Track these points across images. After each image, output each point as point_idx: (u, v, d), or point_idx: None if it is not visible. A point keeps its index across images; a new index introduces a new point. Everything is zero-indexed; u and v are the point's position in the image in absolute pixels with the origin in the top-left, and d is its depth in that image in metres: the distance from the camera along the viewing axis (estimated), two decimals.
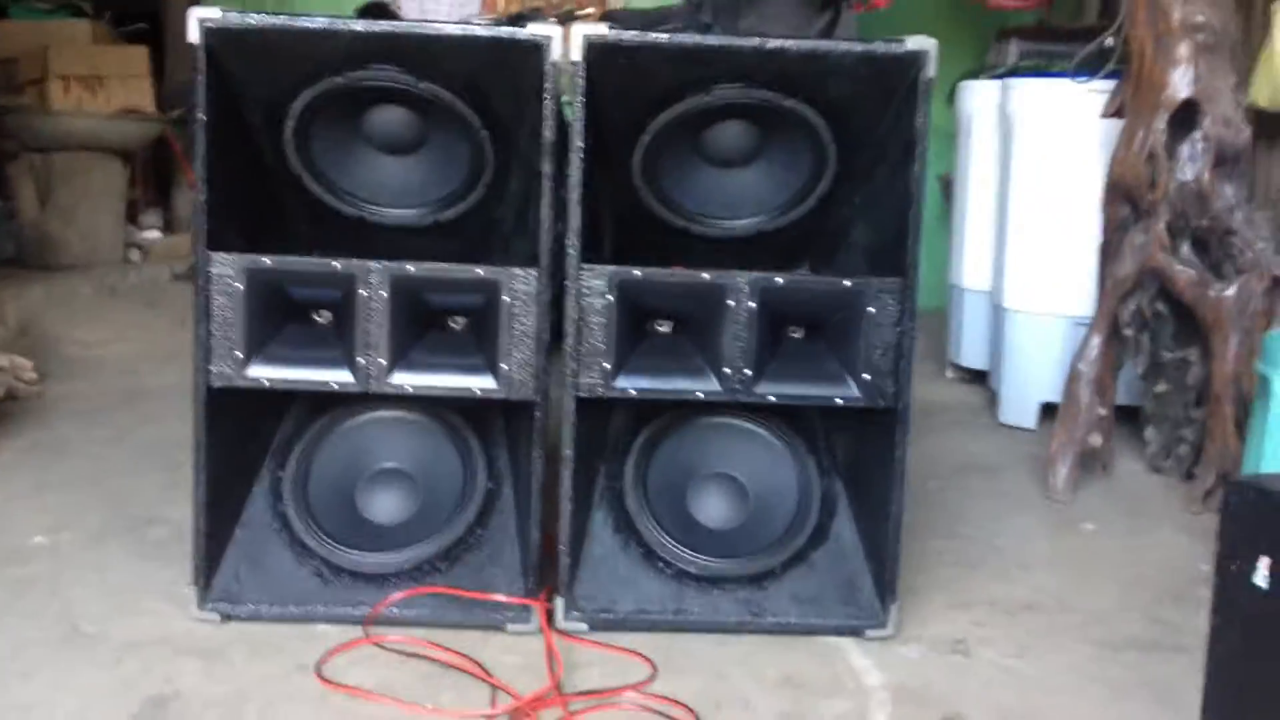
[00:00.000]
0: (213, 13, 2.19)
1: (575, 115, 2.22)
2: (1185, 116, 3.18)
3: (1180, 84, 3.17)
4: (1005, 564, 2.79)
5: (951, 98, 4.70)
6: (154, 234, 6.88)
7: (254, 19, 2.19)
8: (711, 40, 2.28)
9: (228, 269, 2.26)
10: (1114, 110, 3.43)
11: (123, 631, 2.28)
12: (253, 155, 2.37)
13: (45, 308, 5.18)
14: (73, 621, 2.32)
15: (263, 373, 2.31)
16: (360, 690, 2.09)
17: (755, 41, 2.23)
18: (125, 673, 2.13)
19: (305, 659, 2.19)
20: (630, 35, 2.21)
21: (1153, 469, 3.50)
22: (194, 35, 2.17)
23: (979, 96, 4.40)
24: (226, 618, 2.32)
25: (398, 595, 2.34)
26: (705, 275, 2.31)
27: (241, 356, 2.28)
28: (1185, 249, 3.24)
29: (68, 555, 2.64)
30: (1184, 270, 3.21)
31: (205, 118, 2.21)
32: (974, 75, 4.61)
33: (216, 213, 2.26)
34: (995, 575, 2.72)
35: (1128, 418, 3.64)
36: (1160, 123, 3.18)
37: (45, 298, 5.31)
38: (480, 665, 2.18)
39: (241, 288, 2.26)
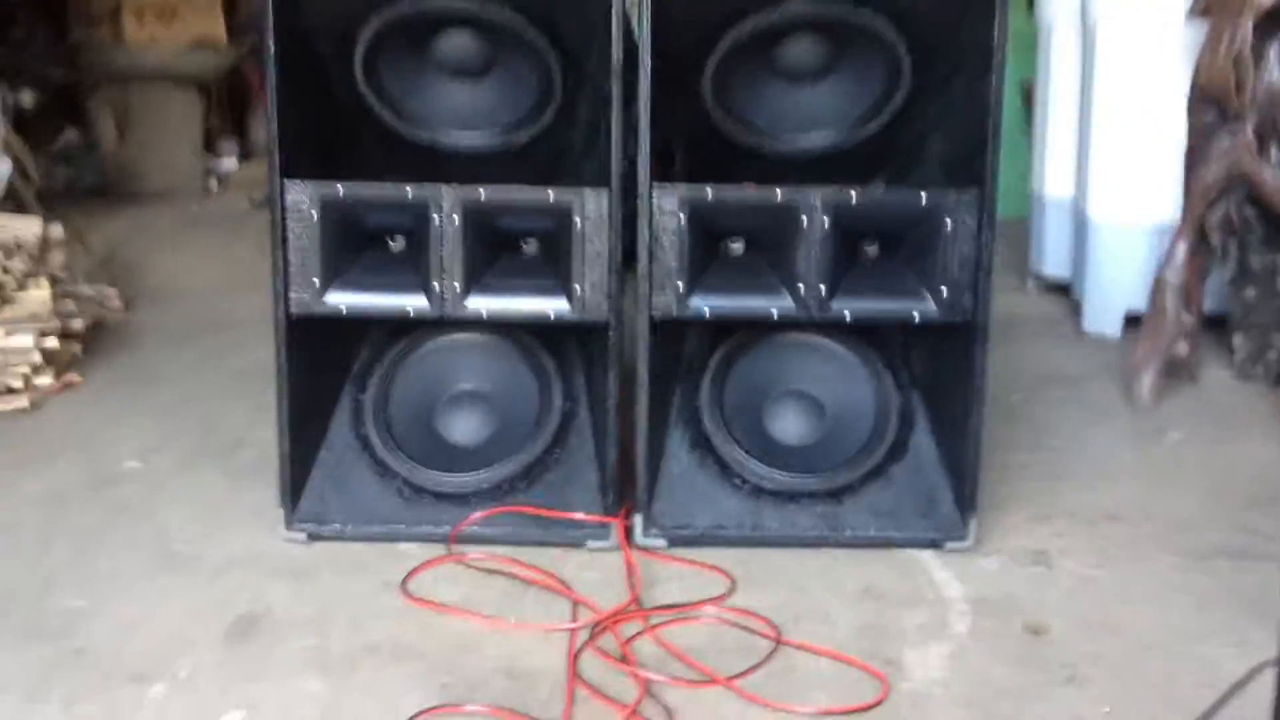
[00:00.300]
0: None
1: (643, 35, 2.20)
2: (1272, 18, 3.07)
3: None
4: (1088, 475, 2.76)
5: (1032, 3, 4.58)
6: (231, 163, 6.96)
7: None
8: None
9: (302, 196, 2.28)
10: (1200, 11, 3.32)
11: (215, 552, 2.35)
12: (323, 84, 2.38)
13: (127, 237, 5.27)
14: (167, 542, 2.39)
15: (340, 299, 2.33)
16: (445, 606, 2.13)
17: None
18: (218, 591, 2.20)
19: (390, 576, 2.24)
20: None
21: (1241, 377, 3.44)
22: None
23: (1061, 0, 4.28)
24: (313, 537, 2.37)
25: (479, 514, 2.37)
26: (778, 192, 2.29)
27: (318, 284, 2.31)
28: (1273, 153, 3.15)
29: (160, 478, 2.72)
30: (1272, 175, 3.13)
31: (274, 47, 2.22)
32: None
33: (289, 142, 2.27)
34: (1078, 486, 2.69)
35: (1215, 326, 3.57)
36: (1247, 25, 3.08)
37: (127, 227, 5.41)
38: (561, 581, 2.22)
39: (316, 215, 2.28)
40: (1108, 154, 3.90)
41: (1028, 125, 4.81)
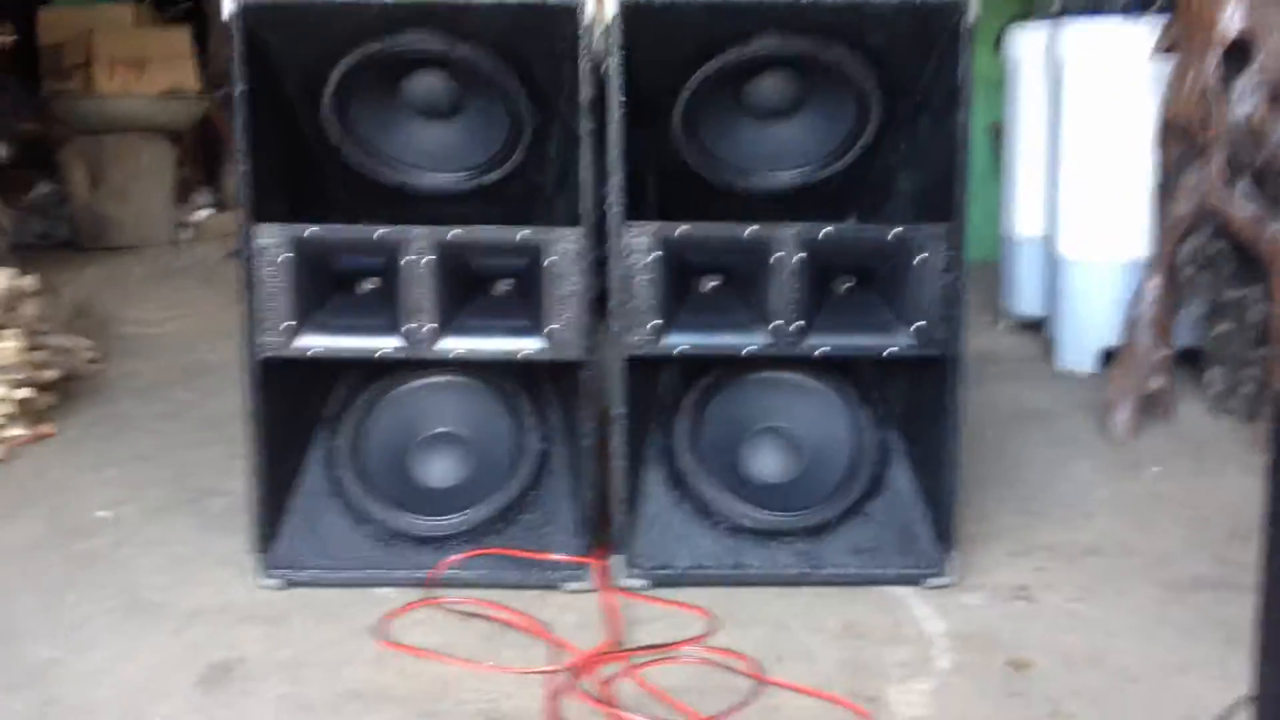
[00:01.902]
0: None
1: (613, 73, 2.21)
2: (1238, 52, 3.11)
3: (1232, 19, 3.10)
4: (1067, 510, 2.76)
5: (999, 44, 4.63)
6: (204, 212, 6.94)
7: None
8: None
9: (273, 239, 2.27)
10: (1165, 48, 3.36)
11: (186, 600, 2.31)
12: (293, 126, 2.37)
13: (101, 288, 5.25)
14: (136, 592, 2.35)
15: (311, 342, 2.32)
16: (421, 650, 2.10)
17: None
18: (189, 640, 2.16)
19: (366, 622, 2.21)
20: None
21: (1216, 411, 3.45)
22: (228, 11, 2.18)
23: (1027, 40, 4.33)
24: (288, 584, 2.34)
25: (456, 557, 2.35)
26: (750, 228, 2.29)
27: (289, 327, 2.29)
28: (1242, 187, 3.18)
29: (130, 528, 2.68)
30: (1242, 208, 3.15)
31: (244, 92, 2.22)
32: (1022, 19, 4.53)
33: (259, 185, 2.26)
34: (1057, 521, 2.69)
35: (1188, 360, 3.58)
36: (1212, 60, 3.12)
37: (100, 278, 5.39)
38: (539, 623, 2.19)
39: (287, 258, 2.27)
40: (1078, 191, 3.93)
41: (996, 167, 4.85)
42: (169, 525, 2.69)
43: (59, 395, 3.63)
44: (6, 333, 3.41)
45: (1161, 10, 3.52)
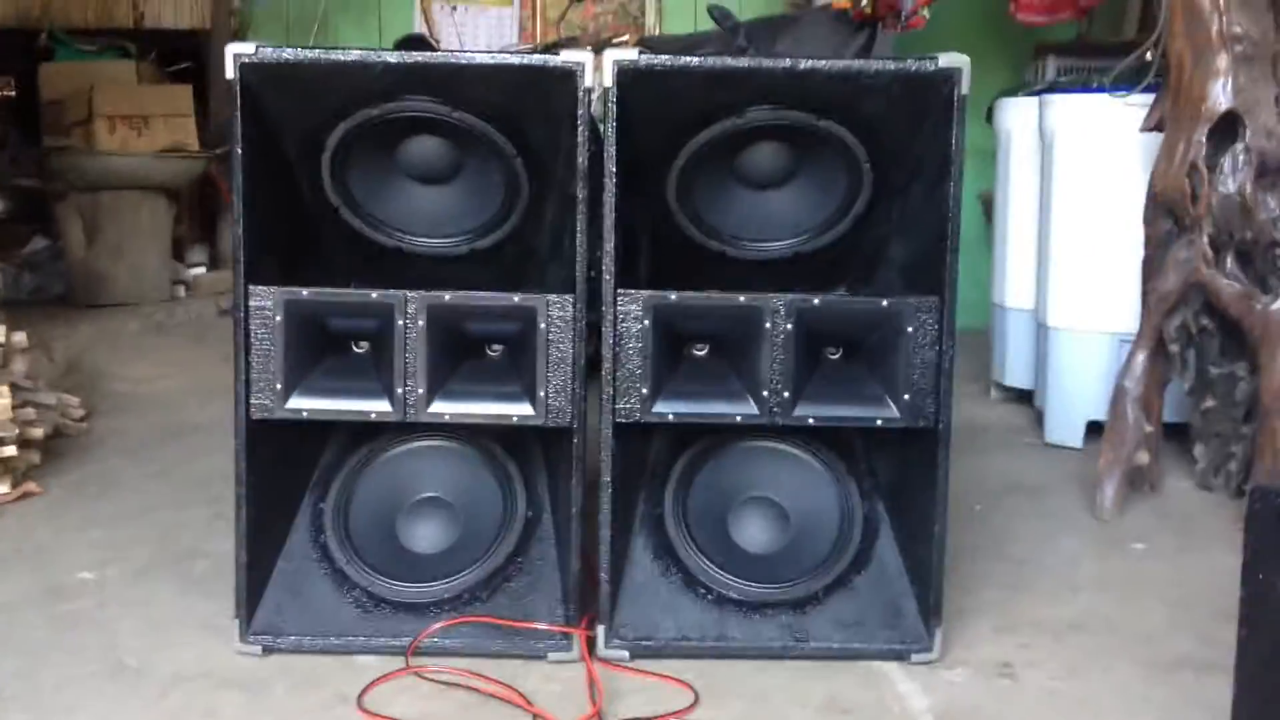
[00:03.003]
0: (248, 48, 2.21)
1: (608, 141, 2.23)
2: (1226, 129, 3.14)
3: (1220, 96, 3.13)
4: (1052, 585, 2.75)
5: (990, 116, 4.68)
6: (200, 270, 6.96)
7: (289, 53, 2.21)
8: (742, 62, 2.28)
9: (266, 301, 2.28)
10: (1154, 124, 3.39)
11: (166, 665, 2.29)
12: (290, 188, 2.39)
13: (93, 345, 5.24)
14: (117, 656, 2.33)
15: (302, 404, 2.32)
16: None
17: (786, 63, 2.22)
18: (169, 706, 2.14)
19: (347, 690, 2.19)
20: (660, 60, 2.21)
21: (1202, 487, 3.45)
22: (230, 71, 2.20)
23: (1017, 113, 4.38)
24: (268, 650, 2.32)
25: (438, 625, 2.33)
26: (741, 298, 2.30)
27: (281, 388, 2.30)
28: (1230, 263, 3.19)
29: (113, 590, 2.66)
30: (1229, 284, 3.17)
31: (242, 152, 2.23)
32: (1012, 92, 4.58)
33: (255, 245, 2.27)
34: (1042, 597, 2.68)
35: (1176, 435, 3.59)
36: (1201, 135, 3.14)
37: (93, 335, 5.38)
38: (521, 694, 2.17)
39: (280, 319, 2.28)
40: (1067, 263, 3.96)
41: (987, 236, 4.88)
42: (152, 587, 2.67)
43: (46, 453, 3.62)
44: None
45: (1150, 88, 3.56)
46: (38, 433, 3.54)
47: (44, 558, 2.86)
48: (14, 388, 3.48)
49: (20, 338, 3.66)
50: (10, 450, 3.33)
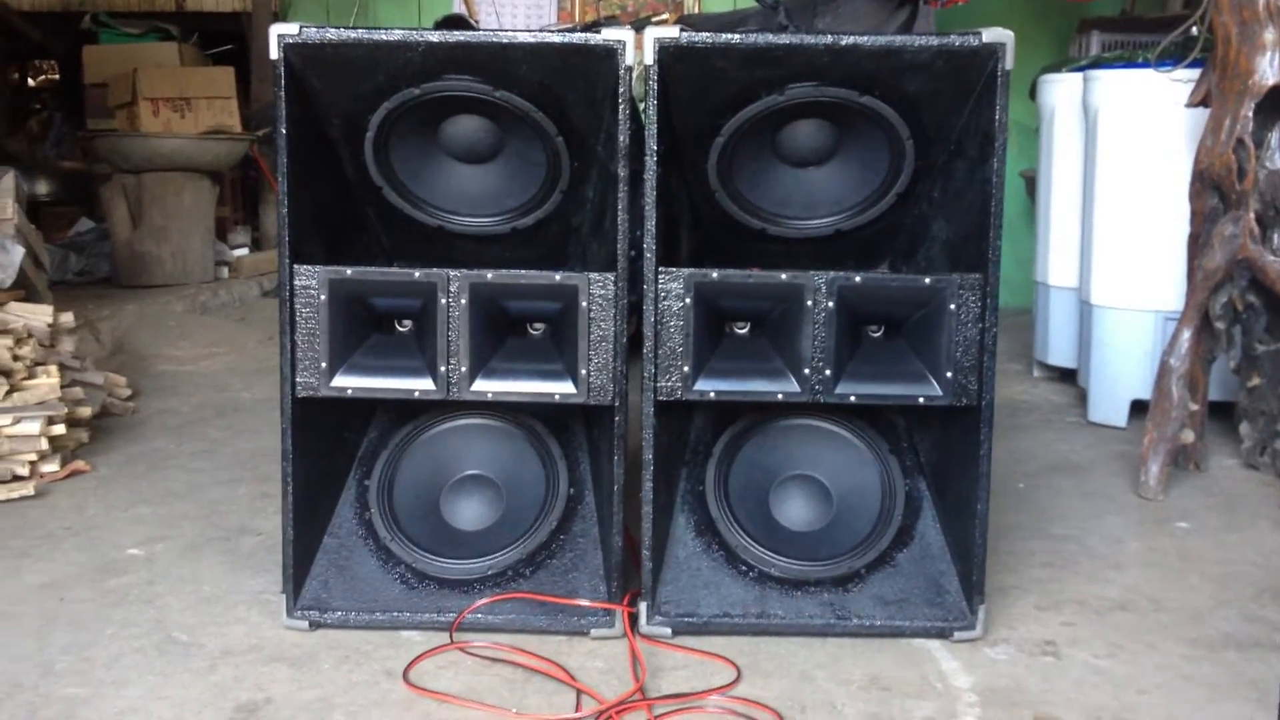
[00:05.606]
0: (291, 29, 2.22)
1: (649, 119, 2.23)
2: (1273, 103, 3.11)
3: (1267, 70, 3.09)
4: (1096, 564, 2.74)
5: (1033, 92, 4.64)
6: (243, 251, 7.03)
7: (332, 33, 2.23)
8: (783, 39, 2.26)
9: (311, 280, 2.30)
10: (1199, 99, 3.36)
11: (215, 640, 2.32)
12: (333, 168, 2.40)
13: (138, 326, 5.30)
14: (166, 631, 2.37)
15: (347, 382, 2.34)
16: (446, 695, 2.10)
17: (828, 39, 2.21)
18: (217, 680, 2.17)
19: (392, 665, 2.21)
20: (702, 37, 2.21)
21: (1248, 465, 3.42)
22: (274, 51, 2.22)
23: (1060, 90, 4.34)
24: (315, 625, 2.35)
25: (482, 601, 2.35)
26: (782, 276, 2.30)
27: (326, 367, 2.32)
28: (1276, 239, 3.16)
29: (161, 566, 2.70)
30: (1275, 261, 3.14)
31: (287, 132, 2.25)
32: (1056, 69, 4.54)
33: (299, 226, 2.29)
34: (1086, 575, 2.67)
35: (1221, 413, 3.56)
36: (1247, 110, 3.11)
37: (138, 316, 5.44)
38: (565, 670, 2.19)
39: (325, 299, 2.30)
40: (1110, 241, 3.92)
41: (1030, 214, 4.84)
42: (200, 564, 2.71)
43: (94, 432, 3.67)
44: (44, 369, 3.46)
45: (1195, 63, 3.52)
46: (86, 412, 3.60)
47: (93, 535, 2.90)
48: (62, 368, 3.54)
49: (68, 318, 3.71)
50: (59, 429, 3.39)
